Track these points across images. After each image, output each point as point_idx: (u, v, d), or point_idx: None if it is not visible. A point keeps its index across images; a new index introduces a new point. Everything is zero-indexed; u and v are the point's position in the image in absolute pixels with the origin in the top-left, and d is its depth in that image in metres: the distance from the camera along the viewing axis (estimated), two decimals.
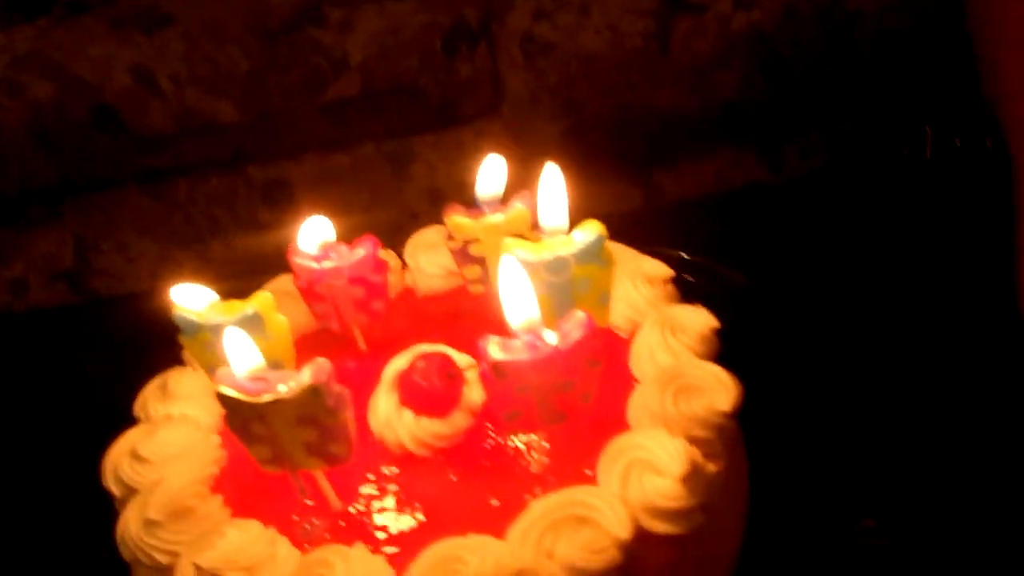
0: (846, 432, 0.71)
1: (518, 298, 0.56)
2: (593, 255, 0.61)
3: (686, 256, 0.86)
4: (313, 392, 0.54)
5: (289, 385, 0.53)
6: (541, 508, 0.56)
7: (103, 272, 1.36)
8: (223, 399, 0.54)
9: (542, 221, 0.62)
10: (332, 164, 1.43)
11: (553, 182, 0.62)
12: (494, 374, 0.56)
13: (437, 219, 1.48)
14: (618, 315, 0.72)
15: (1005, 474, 0.69)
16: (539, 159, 0.72)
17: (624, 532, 0.54)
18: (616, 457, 0.59)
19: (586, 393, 0.59)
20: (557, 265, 0.60)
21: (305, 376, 0.54)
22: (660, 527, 0.56)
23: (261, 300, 0.62)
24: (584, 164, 1.45)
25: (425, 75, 1.39)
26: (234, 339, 0.55)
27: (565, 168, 1.46)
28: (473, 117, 1.44)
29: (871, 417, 0.72)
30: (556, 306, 0.63)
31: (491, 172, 0.71)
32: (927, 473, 0.69)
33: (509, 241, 0.62)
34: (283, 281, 0.76)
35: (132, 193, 1.37)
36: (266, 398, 0.53)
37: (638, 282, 0.72)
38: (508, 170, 0.72)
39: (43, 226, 1.35)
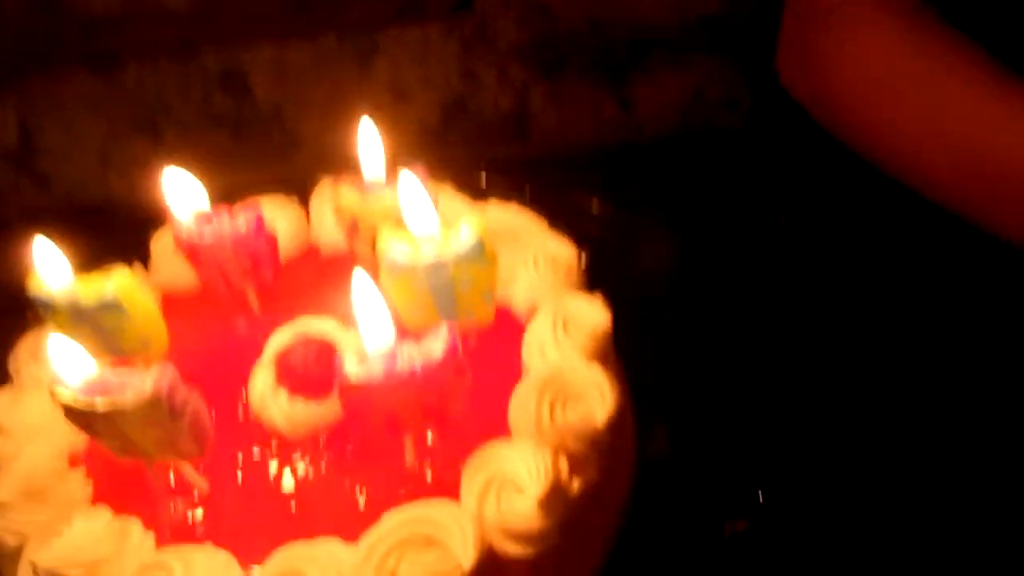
0: (733, 422, 0.68)
1: (373, 316, 0.52)
2: (474, 257, 0.56)
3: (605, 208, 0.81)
4: (153, 402, 0.51)
5: (128, 393, 0.50)
6: (392, 523, 0.54)
7: (48, 152, 1.31)
8: (57, 400, 0.51)
9: (411, 230, 0.57)
10: (291, 54, 1.36)
11: (413, 191, 0.57)
12: (350, 392, 0.53)
13: (400, 116, 1.42)
14: (519, 296, 0.68)
15: (880, 471, 0.67)
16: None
17: (468, 559, 0.52)
18: (479, 470, 0.56)
19: (456, 399, 0.56)
20: (436, 269, 0.56)
21: (146, 384, 0.51)
22: (512, 548, 0.54)
23: (119, 283, 0.58)
24: (554, 75, 1.38)
25: None
26: (59, 348, 0.52)
27: (533, 78, 1.39)
28: (441, 13, 1.36)
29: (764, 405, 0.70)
30: (439, 304, 0.60)
31: (370, 144, 0.65)
32: (801, 472, 0.67)
33: (385, 235, 0.58)
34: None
35: (78, 75, 1.30)
36: (102, 406, 0.51)
37: (540, 263, 0.68)
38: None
39: None
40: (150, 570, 0.53)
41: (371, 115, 1.42)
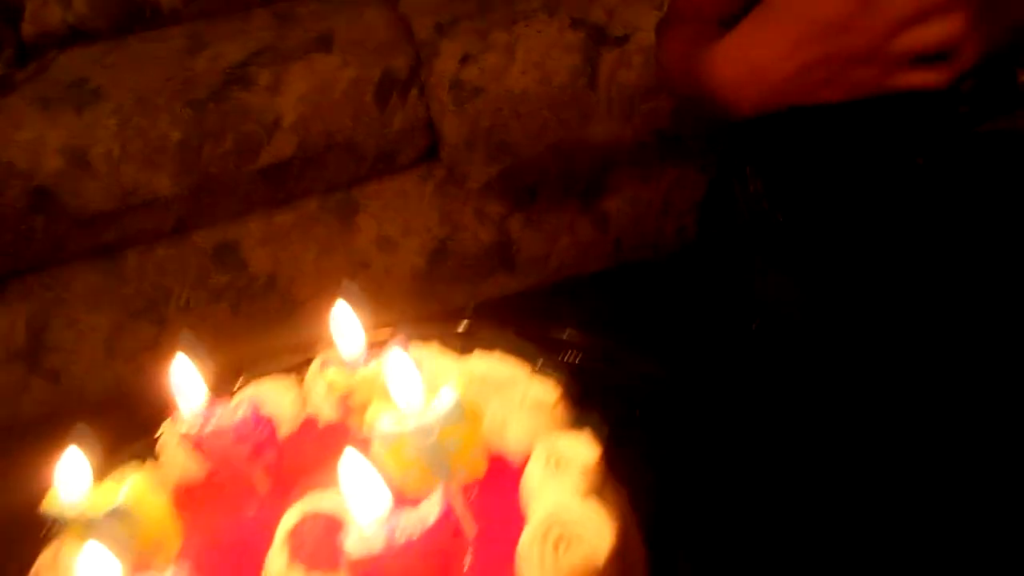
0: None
1: (365, 491, 0.55)
2: (454, 417, 0.59)
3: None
4: None
5: None
6: None
7: (57, 349, 1.35)
8: None
9: (399, 405, 0.60)
10: (277, 222, 1.41)
11: (400, 367, 0.60)
12: (356, 569, 0.55)
13: (388, 266, 1.46)
14: (512, 443, 0.70)
15: None
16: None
17: None
18: None
19: (459, 560, 0.57)
20: (422, 433, 0.59)
21: None
22: None
23: (132, 488, 0.60)
24: (528, 205, 1.43)
25: (360, 129, 1.36)
26: (91, 556, 0.54)
27: (509, 210, 1.43)
28: (412, 164, 1.42)
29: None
30: (432, 466, 0.62)
31: (346, 326, 0.69)
32: None
33: (373, 409, 0.60)
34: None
35: (78, 270, 1.35)
36: None
37: (527, 407, 0.70)
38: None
39: None
40: None
41: (359, 271, 1.46)
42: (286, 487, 0.71)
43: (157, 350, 1.34)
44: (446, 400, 0.58)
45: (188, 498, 0.72)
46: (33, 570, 0.67)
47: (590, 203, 1.45)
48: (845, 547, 0.69)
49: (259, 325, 1.41)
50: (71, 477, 0.59)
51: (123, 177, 1.28)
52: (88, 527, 0.59)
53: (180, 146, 1.29)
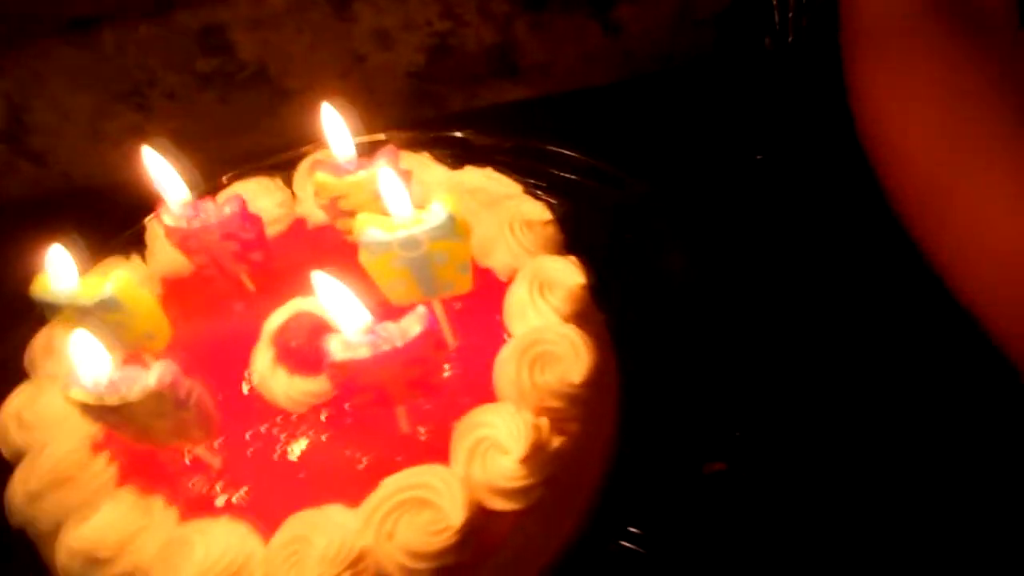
0: (714, 366, 0.74)
1: (344, 306, 0.59)
2: (446, 232, 0.62)
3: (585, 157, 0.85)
4: (158, 396, 0.58)
5: (134, 389, 0.57)
6: (388, 488, 0.61)
7: (40, 131, 1.36)
8: (72, 401, 0.58)
9: (390, 211, 0.63)
10: (269, 4, 1.38)
11: (390, 182, 0.62)
12: (336, 371, 0.59)
13: (384, 62, 1.45)
14: (498, 261, 0.74)
15: (862, 415, 0.72)
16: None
17: (459, 517, 0.59)
18: (465, 434, 0.63)
19: (438, 373, 0.62)
20: (410, 243, 0.62)
21: (151, 379, 0.58)
22: (500, 504, 0.61)
23: (118, 281, 0.64)
24: (536, 5, 1.40)
25: None
26: (81, 343, 0.58)
27: (515, 11, 1.40)
28: None
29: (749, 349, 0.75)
30: (417, 278, 0.66)
31: (337, 128, 0.70)
32: (786, 413, 0.73)
33: (361, 218, 0.63)
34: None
35: (55, 46, 1.34)
36: (111, 402, 0.58)
37: (516, 226, 0.73)
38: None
39: None
40: (174, 545, 0.61)
41: (353, 65, 1.45)
42: (273, 287, 0.75)
43: (143, 137, 1.35)
44: (437, 214, 0.61)
45: (177, 292, 0.77)
46: (28, 352, 0.72)
47: (602, 9, 1.42)
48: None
49: (248, 116, 1.41)
50: (60, 265, 0.63)
51: None
52: (79, 315, 0.63)
53: None
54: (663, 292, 0.77)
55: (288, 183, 0.84)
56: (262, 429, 0.69)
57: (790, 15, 0.93)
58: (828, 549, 0.68)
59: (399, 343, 0.59)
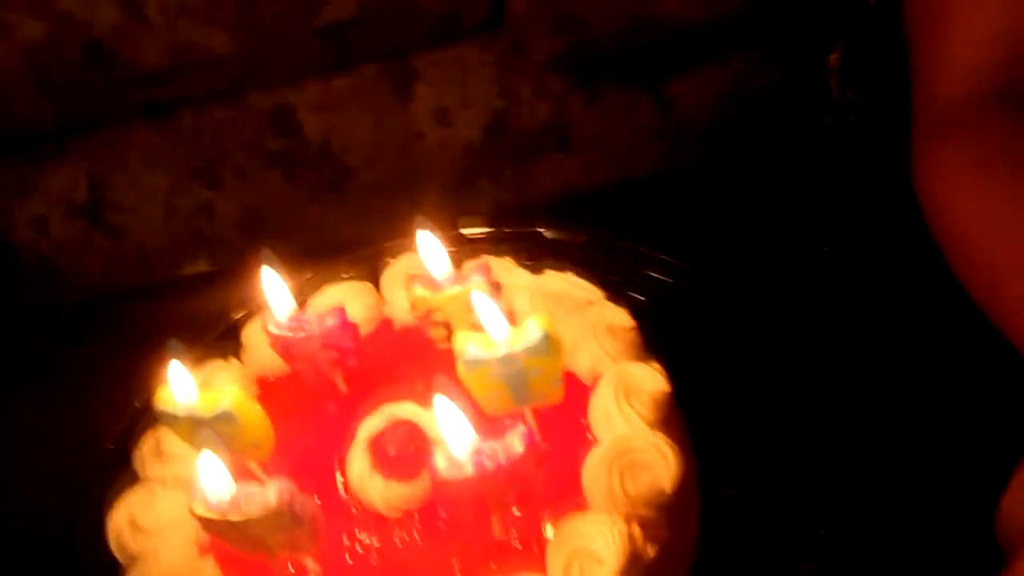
0: (796, 464, 0.75)
1: (455, 427, 0.61)
2: (541, 350, 0.64)
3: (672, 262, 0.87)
4: (276, 513, 0.60)
5: (254, 506, 0.60)
6: None
7: (118, 207, 1.40)
8: (196, 516, 0.61)
9: (486, 330, 0.65)
10: (334, 88, 1.42)
11: (485, 305, 0.65)
12: (442, 488, 0.62)
13: (443, 138, 1.49)
14: (581, 365, 0.76)
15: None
16: None
17: None
18: (562, 544, 0.65)
19: (536, 484, 0.64)
20: (508, 361, 0.64)
21: (271, 497, 0.60)
22: None
23: (234, 397, 0.67)
24: (590, 81, 1.43)
25: None
26: (206, 463, 0.61)
27: (570, 88, 1.43)
28: (475, 31, 1.41)
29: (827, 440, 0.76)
30: (512, 390, 0.68)
31: (433, 250, 0.73)
32: (872, 515, 0.74)
33: (461, 335, 0.66)
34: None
35: (136, 128, 1.38)
36: (234, 518, 0.60)
37: (599, 332, 0.75)
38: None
39: (54, 163, 1.38)
40: None
41: (413, 142, 1.49)
42: (364, 388, 0.78)
43: (213, 215, 1.39)
44: (532, 333, 0.63)
45: (271, 393, 0.79)
46: (137, 454, 0.74)
47: (654, 86, 1.45)
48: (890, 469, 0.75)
49: (311, 192, 1.45)
50: (180, 380, 0.66)
51: (179, 32, 1.29)
52: (193, 424, 0.66)
53: (238, 1, 1.29)
54: (742, 388, 0.79)
55: (371, 278, 0.86)
56: (358, 533, 0.71)
57: (849, 94, 0.94)
58: None
59: (503, 461, 0.61)
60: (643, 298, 0.84)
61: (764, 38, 1.43)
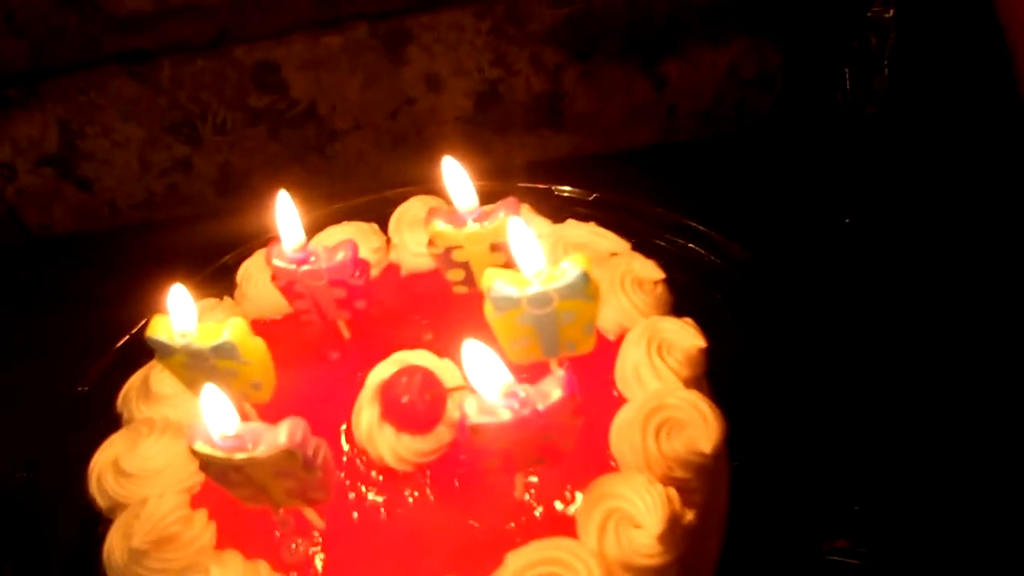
0: (829, 440, 0.70)
1: (488, 369, 0.54)
2: (577, 290, 0.58)
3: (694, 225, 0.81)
4: (287, 455, 0.53)
5: (263, 447, 0.52)
6: (517, 564, 0.56)
7: (90, 157, 1.32)
8: (197, 454, 0.53)
9: (519, 265, 0.59)
10: (323, 46, 1.35)
11: (522, 236, 0.58)
12: (473, 434, 0.55)
13: (434, 104, 1.42)
14: (606, 319, 0.70)
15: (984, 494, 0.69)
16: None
17: None
18: (594, 505, 0.59)
19: (567, 442, 0.58)
20: (540, 300, 0.58)
21: (281, 437, 0.53)
22: None
23: (235, 328, 0.59)
24: (587, 54, 1.38)
25: None
26: (210, 397, 0.54)
27: (566, 61, 1.38)
28: None
29: (855, 425, 0.72)
30: (541, 336, 0.61)
31: (459, 179, 0.66)
32: (907, 490, 0.69)
33: (491, 272, 0.59)
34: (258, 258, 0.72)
35: (113, 75, 1.30)
36: (240, 457, 0.53)
37: (627, 285, 0.69)
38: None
39: (24, 109, 1.30)
40: None
41: (402, 107, 1.42)
42: (369, 336, 0.71)
43: (190, 171, 1.31)
44: (570, 273, 0.57)
45: (267, 337, 0.72)
46: (123, 395, 0.67)
47: (651, 63, 1.40)
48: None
49: (295, 152, 1.38)
50: (180, 307, 0.58)
51: None
52: (192, 359, 0.58)
53: None
54: (766, 358, 0.74)
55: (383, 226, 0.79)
56: (365, 489, 0.64)
57: (863, 81, 0.90)
58: None
59: (540, 407, 0.54)
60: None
61: (763, 23, 1.39)
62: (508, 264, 0.61)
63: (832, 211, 0.89)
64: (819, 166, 0.93)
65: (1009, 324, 0.72)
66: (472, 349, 0.56)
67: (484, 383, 0.55)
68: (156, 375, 0.66)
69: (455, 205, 0.67)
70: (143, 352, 0.64)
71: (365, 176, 1.42)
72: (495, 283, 0.59)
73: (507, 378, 0.55)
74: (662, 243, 0.83)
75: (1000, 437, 0.71)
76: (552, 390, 0.55)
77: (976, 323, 0.76)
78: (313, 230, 0.82)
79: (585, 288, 0.59)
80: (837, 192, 0.90)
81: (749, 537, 0.66)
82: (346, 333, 0.71)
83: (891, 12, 0.85)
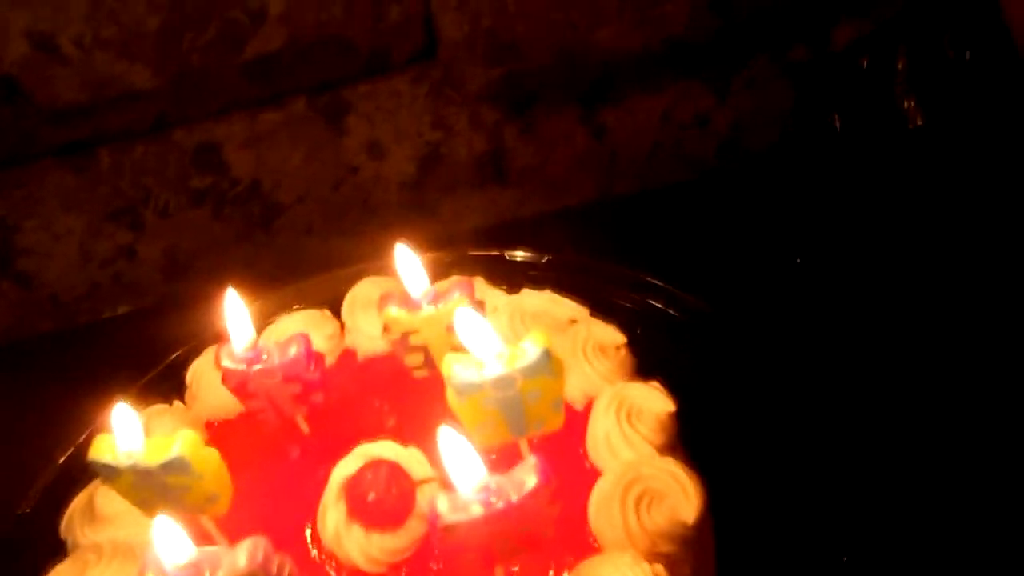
0: (812, 489, 0.67)
1: (462, 461, 0.50)
2: (541, 369, 0.54)
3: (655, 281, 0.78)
4: None
5: (221, 573, 0.47)
6: None
7: (30, 252, 1.26)
8: None
9: (473, 351, 0.55)
10: (262, 122, 1.31)
11: (470, 321, 0.55)
12: (447, 533, 0.50)
13: (377, 172, 1.39)
14: (572, 388, 0.66)
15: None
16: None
17: None
18: None
19: (545, 530, 0.54)
20: (503, 382, 0.54)
21: (240, 560, 0.48)
22: None
23: (185, 442, 0.54)
24: (525, 112, 1.36)
25: (352, 22, 1.26)
26: (163, 528, 0.48)
27: (505, 118, 1.36)
28: (407, 63, 1.33)
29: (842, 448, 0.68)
30: (507, 418, 0.57)
31: (411, 265, 0.62)
32: (894, 540, 0.66)
33: (449, 357, 0.55)
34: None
35: (51, 167, 1.25)
36: None
37: (590, 351, 0.65)
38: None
39: None
40: None
41: (346, 177, 1.39)
42: (329, 428, 0.66)
43: (134, 258, 1.26)
44: (531, 352, 0.53)
45: (221, 439, 0.67)
46: (66, 520, 0.61)
47: (589, 113, 1.39)
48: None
49: (240, 231, 1.33)
50: (125, 425, 0.53)
51: (96, 66, 1.16)
52: (140, 478, 0.53)
53: (159, 34, 1.17)
54: (733, 407, 0.70)
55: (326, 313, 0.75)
56: None
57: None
58: None
59: (514, 498, 0.50)
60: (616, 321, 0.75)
61: (699, 66, 1.39)
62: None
63: (784, 251, 0.86)
64: (769, 207, 0.91)
65: (990, 356, 0.70)
66: (448, 439, 0.51)
67: (461, 475, 0.50)
68: (102, 495, 0.61)
69: (408, 291, 0.62)
70: (87, 468, 0.58)
71: (313, 249, 1.37)
72: (454, 369, 0.55)
73: (481, 472, 0.51)
74: (621, 301, 0.79)
75: (984, 482, 0.68)
76: (526, 478, 0.51)
77: (949, 357, 0.74)
78: (263, 316, 0.78)
79: (548, 366, 0.55)
80: (789, 232, 0.88)
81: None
82: (305, 428, 0.66)
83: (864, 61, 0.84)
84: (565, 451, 0.63)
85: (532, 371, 0.55)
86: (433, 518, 0.50)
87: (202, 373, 0.68)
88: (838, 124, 0.92)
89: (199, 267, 1.33)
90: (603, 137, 1.43)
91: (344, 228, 1.36)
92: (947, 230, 0.80)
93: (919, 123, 0.85)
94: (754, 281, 0.84)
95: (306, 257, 1.36)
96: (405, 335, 0.63)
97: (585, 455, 0.63)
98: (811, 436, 0.68)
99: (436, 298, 0.62)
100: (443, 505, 0.50)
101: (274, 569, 0.49)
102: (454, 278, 0.63)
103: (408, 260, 0.63)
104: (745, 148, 1.37)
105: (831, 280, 0.82)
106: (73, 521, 0.62)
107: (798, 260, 0.84)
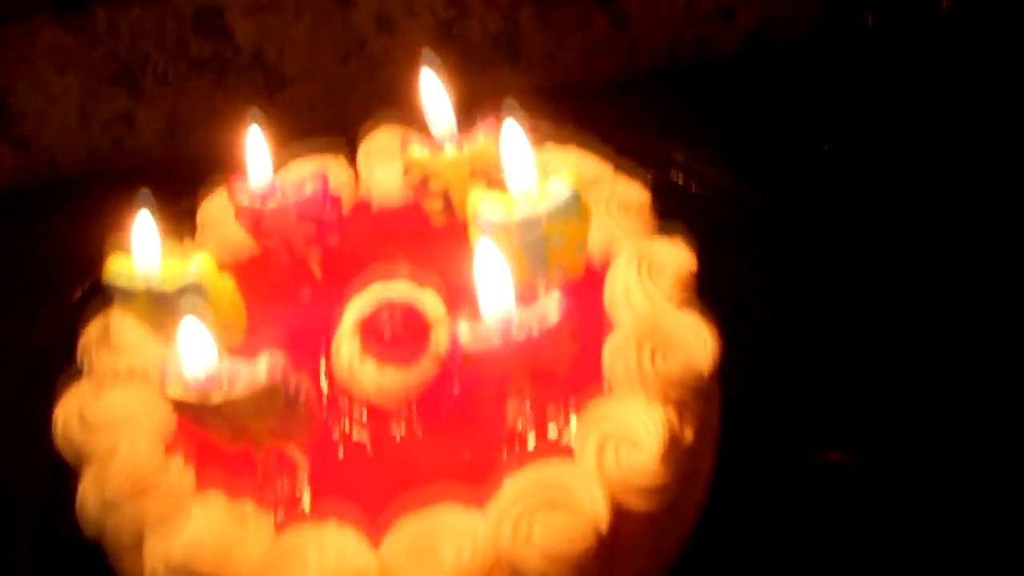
0: (817, 357, 0.69)
1: (494, 284, 0.51)
2: (568, 211, 0.55)
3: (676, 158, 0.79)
4: (268, 392, 0.49)
5: (239, 385, 0.49)
6: (516, 488, 0.54)
7: (25, 114, 1.25)
8: (170, 399, 0.50)
9: (508, 183, 0.55)
10: None
11: (516, 150, 0.55)
12: (466, 361, 0.52)
13: (386, 48, 1.37)
14: (594, 242, 0.67)
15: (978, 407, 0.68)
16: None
17: (603, 521, 0.53)
18: (592, 427, 0.56)
19: (562, 365, 0.56)
20: (529, 224, 0.55)
21: (260, 374, 0.49)
22: (638, 504, 0.55)
23: (202, 265, 0.55)
24: None
25: None
26: (189, 330, 0.49)
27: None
28: None
29: (843, 343, 0.70)
30: (530, 261, 0.59)
31: (435, 95, 0.62)
32: (898, 401, 0.68)
33: (476, 194, 0.56)
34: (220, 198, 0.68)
35: (43, 26, 1.23)
36: (216, 399, 0.49)
37: (613, 207, 0.66)
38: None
39: None
40: (280, 555, 0.52)
41: (353, 52, 1.37)
42: (340, 273, 0.67)
43: (134, 124, 1.25)
44: (559, 193, 0.54)
45: (235, 279, 0.68)
46: (81, 344, 0.62)
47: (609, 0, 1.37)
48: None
49: (244, 102, 1.32)
50: (143, 244, 0.54)
51: None
52: (155, 303, 0.54)
53: None
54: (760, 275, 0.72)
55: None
56: (349, 425, 0.61)
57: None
58: (947, 543, 0.63)
59: (535, 331, 0.52)
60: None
61: None
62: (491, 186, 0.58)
63: (814, 137, 0.87)
64: (797, 93, 0.91)
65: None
66: (486, 250, 0.52)
67: (489, 304, 0.52)
68: (117, 324, 0.62)
69: (431, 128, 0.63)
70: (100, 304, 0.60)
71: (320, 120, 1.37)
72: (482, 207, 0.56)
73: (509, 296, 0.52)
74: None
75: (997, 347, 0.70)
76: (549, 312, 0.52)
77: (967, 264, 0.76)
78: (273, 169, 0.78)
79: (576, 208, 0.56)
80: (817, 119, 0.88)
81: (742, 453, 0.64)
82: (317, 272, 0.68)
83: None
84: (582, 302, 0.65)
85: (559, 214, 0.56)
86: (453, 346, 0.52)
87: (215, 211, 0.69)
88: (871, 20, 0.92)
89: (200, 138, 1.33)
90: (624, 26, 1.41)
91: (350, 104, 1.35)
92: (977, 120, 0.81)
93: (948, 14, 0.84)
94: (780, 164, 0.85)
95: (311, 131, 1.35)
96: (425, 179, 0.64)
97: (601, 308, 0.64)
98: (830, 313, 0.70)
99: (460, 140, 0.63)
100: (464, 333, 0.52)
101: (292, 386, 0.51)
102: (481, 122, 0.63)
103: (435, 91, 0.63)
104: (769, 42, 1.35)
105: (858, 167, 0.83)
106: (89, 347, 0.64)
107: (826, 146, 0.85)
